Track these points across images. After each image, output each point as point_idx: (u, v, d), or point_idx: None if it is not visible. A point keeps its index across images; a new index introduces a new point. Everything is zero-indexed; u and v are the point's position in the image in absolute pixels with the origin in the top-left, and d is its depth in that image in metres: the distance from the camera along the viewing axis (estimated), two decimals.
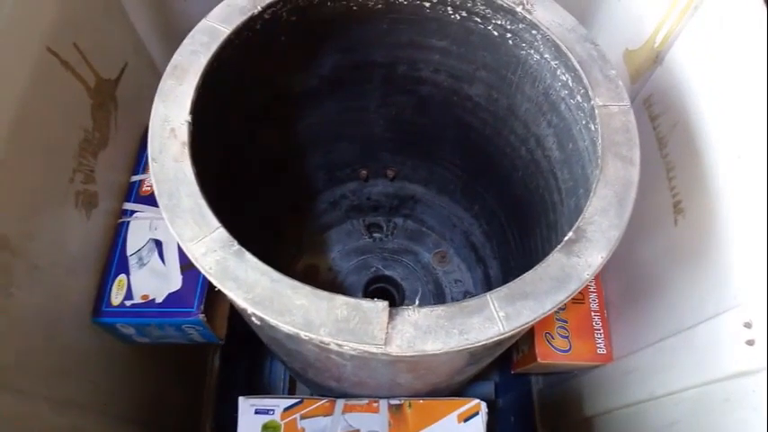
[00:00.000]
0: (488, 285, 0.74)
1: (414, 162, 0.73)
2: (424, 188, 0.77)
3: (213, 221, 0.33)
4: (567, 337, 0.57)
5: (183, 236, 0.32)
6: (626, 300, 0.56)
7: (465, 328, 0.31)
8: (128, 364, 0.54)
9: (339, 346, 0.30)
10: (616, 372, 0.55)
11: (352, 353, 0.31)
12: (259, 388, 0.79)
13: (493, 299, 0.32)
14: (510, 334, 0.31)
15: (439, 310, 0.31)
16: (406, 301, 0.75)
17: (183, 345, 0.53)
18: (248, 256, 0.32)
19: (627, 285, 0.55)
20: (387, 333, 0.30)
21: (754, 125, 0.37)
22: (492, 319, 0.31)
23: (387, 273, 0.78)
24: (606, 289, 0.59)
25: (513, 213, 0.63)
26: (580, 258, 0.33)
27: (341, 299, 0.31)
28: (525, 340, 0.61)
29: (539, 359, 0.56)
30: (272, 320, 0.30)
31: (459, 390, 0.68)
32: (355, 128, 0.65)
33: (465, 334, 0.31)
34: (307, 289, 0.31)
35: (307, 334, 0.30)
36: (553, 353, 0.56)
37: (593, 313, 0.58)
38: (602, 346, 0.56)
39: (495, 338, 0.31)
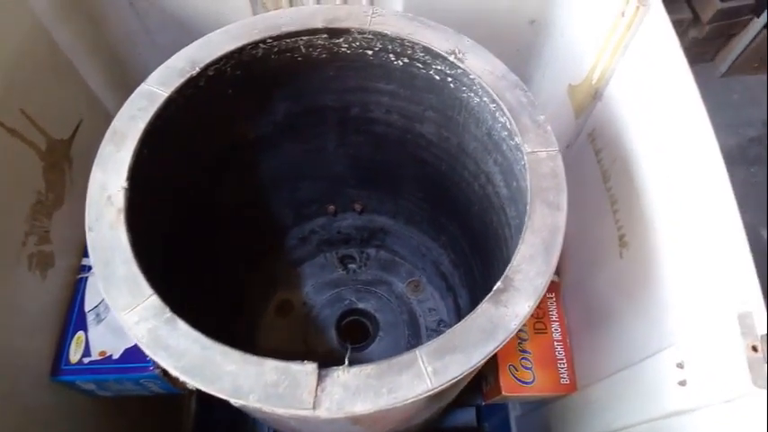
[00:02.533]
0: (459, 314, 0.74)
1: (379, 195, 0.74)
2: (392, 220, 0.78)
3: (146, 289, 0.34)
4: (530, 369, 0.57)
5: (116, 305, 0.33)
6: (586, 329, 0.56)
7: (394, 386, 0.31)
8: (93, 418, 0.54)
9: (270, 410, 0.31)
10: (580, 401, 0.55)
11: (287, 415, 0.32)
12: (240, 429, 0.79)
13: (422, 354, 0.32)
14: (439, 389, 0.32)
15: (368, 368, 0.32)
16: (380, 333, 0.76)
17: (149, 396, 0.53)
18: (180, 323, 0.33)
19: (585, 314, 0.56)
20: (315, 396, 0.31)
21: (681, 164, 0.38)
22: (420, 375, 0.32)
23: (360, 306, 0.79)
24: (568, 317, 0.60)
25: (474, 245, 0.64)
26: (507, 308, 0.33)
27: (270, 363, 0.31)
28: (491, 372, 0.61)
29: (503, 392, 0.56)
30: (203, 388, 0.31)
31: (433, 422, 0.68)
32: (317, 167, 0.66)
33: (394, 392, 0.31)
34: (236, 354, 0.31)
35: (236, 401, 0.30)
36: (517, 385, 0.56)
37: (555, 343, 0.58)
38: (565, 376, 0.56)
39: (424, 395, 0.31)
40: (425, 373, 0.32)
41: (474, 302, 0.69)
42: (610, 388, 0.48)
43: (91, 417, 0.54)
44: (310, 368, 0.31)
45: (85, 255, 0.52)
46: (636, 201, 0.44)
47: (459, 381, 0.33)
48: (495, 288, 0.34)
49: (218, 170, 0.55)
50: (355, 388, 0.31)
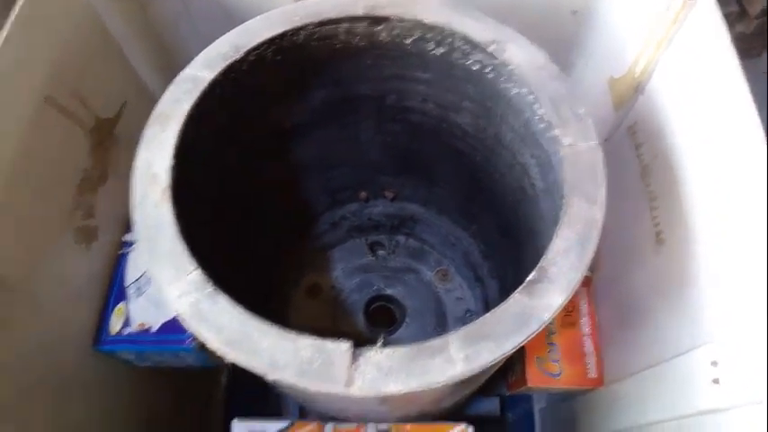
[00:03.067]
0: (487, 305, 0.74)
1: (412, 184, 0.74)
2: (423, 208, 0.78)
3: (189, 264, 0.35)
4: (557, 361, 0.57)
5: (160, 279, 0.34)
6: (616, 325, 0.56)
7: (426, 369, 0.32)
8: (132, 387, 0.56)
9: (304, 386, 0.32)
10: (607, 396, 0.55)
11: (320, 391, 0.33)
12: (268, 408, 0.81)
13: (453, 339, 0.33)
14: (470, 375, 0.32)
15: (402, 350, 0.32)
16: (407, 319, 0.77)
17: (185, 368, 0.55)
18: (220, 298, 0.34)
19: (617, 310, 0.55)
20: (349, 374, 0.32)
21: (727, 162, 0.37)
22: (451, 360, 0.32)
23: (388, 292, 0.80)
24: (599, 312, 0.59)
25: (506, 237, 0.64)
26: (541, 300, 0.34)
27: (306, 340, 0.32)
28: (518, 362, 0.61)
29: (529, 383, 0.56)
30: (240, 362, 0.32)
31: (457, 409, 0.68)
32: (352, 155, 0.67)
33: (425, 375, 0.32)
34: (273, 330, 0.33)
35: (273, 375, 0.32)
36: (544, 377, 0.57)
37: (584, 337, 0.58)
38: (592, 370, 0.56)
39: (454, 380, 0.32)
40: (456, 359, 0.32)
41: (503, 294, 0.69)
42: (638, 384, 0.47)
43: (128, 386, 0.56)
44: (345, 347, 0.32)
45: (127, 231, 0.54)
46: (676, 197, 0.43)
47: (487, 368, 0.34)
48: (528, 279, 0.34)
49: (256, 156, 0.57)
50: (388, 368, 0.32)
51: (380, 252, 0.84)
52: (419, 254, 0.83)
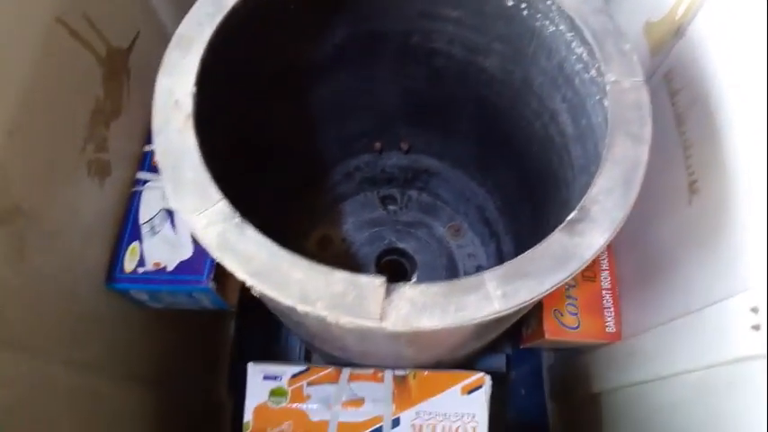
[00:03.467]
0: (501, 260, 0.73)
1: (428, 135, 0.72)
2: (438, 161, 0.77)
3: (215, 194, 0.33)
4: (576, 315, 0.56)
5: (184, 208, 0.33)
6: (638, 279, 0.55)
7: (461, 305, 0.31)
8: (143, 328, 0.56)
9: (335, 320, 0.31)
10: (624, 350, 0.54)
11: (350, 326, 0.32)
12: (274, 354, 0.81)
13: (490, 277, 0.32)
14: (506, 313, 0.31)
15: (436, 286, 0.31)
16: (417, 272, 0.76)
17: (197, 310, 0.55)
18: (249, 229, 0.32)
19: (639, 264, 0.54)
20: (382, 309, 0.30)
21: None
22: (488, 297, 0.31)
23: (400, 245, 0.78)
24: (619, 267, 0.58)
25: (526, 189, 0.62)
26: (582, 238, 0.32)
27: (338, 274, 0.31)
28: (534, 316, 0.60)
29: (546, 336, 0.56)
30: (270, 293, 0.31)
31: (468, 362, 0.68)
32: (369, 99, 0.64)
33: (460, 311, 0.31)
34: (304, 263, 0.31)
35: (303, 307, 0.30)
36: (561, 330, 0.56)
37: (603, 291, 0.57)
38: (611, 324, 0.56)
39: (492, 317, 0.31)
40: (494, 296, 0.31)
41: (519, 249, 0.68)
42: (662, 336, 0.47)
43: (139, 326, 0.56)
44: (378, 281, 0.31)
45: (140, 168, 0.52)
46: (715, 145, 0.42)
47: (522, 308, 0.33)
48: (569, 218, 0.33)
49: (273, 94, 0.54)
50: (422, 304, 0.31)
51: (391, 207, 0.82)
52: (431, 209, 0.82)
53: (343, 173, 0.78)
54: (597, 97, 0.41)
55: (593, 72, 0.41)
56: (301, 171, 0.72)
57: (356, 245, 0.79)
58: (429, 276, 0.76)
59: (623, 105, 0.36)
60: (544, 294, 0.31)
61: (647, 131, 0.35)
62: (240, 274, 0.31)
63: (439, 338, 0.39)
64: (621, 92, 0.36)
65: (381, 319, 0.30)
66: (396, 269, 0.78)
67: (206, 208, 0.33)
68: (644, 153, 0.34)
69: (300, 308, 0.30)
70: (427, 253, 0.79)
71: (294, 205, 0.76)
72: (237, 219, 0.33)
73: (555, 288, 0.31)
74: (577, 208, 0.33)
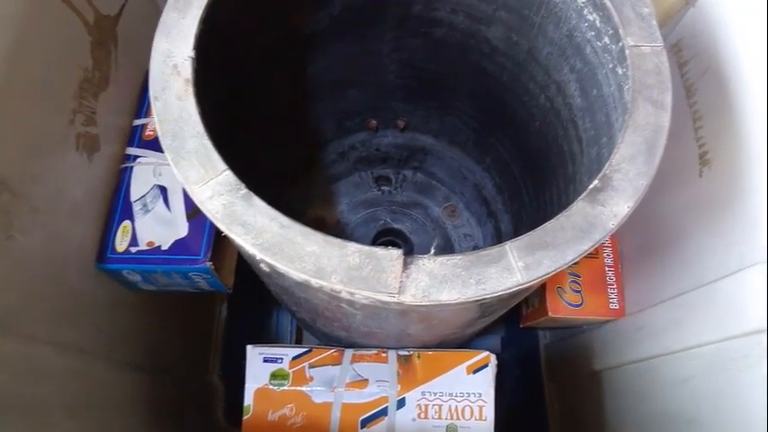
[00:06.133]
0: (499, 240, 0.72)
1: (425, 111, 0.70)
2: (434, 139, 0.75)
3: (220, 164, 0.31)
4: (579, 292, 0.56)
5: (188, 178, 0.31)
6: (642, 254, 0.54)
7: (482, 278, 0.30)
8: (134, 310, 0.54)
9: (351, 294, 0.29)
10: (629, 327, 0.54)
11: (364, 302, 0.30)
12: (266, 338, 0.79)
13: (512, 248, 0.30)
14: (529, 285, 0.30)
15: (456, 258, 0.30)
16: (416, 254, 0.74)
17: (189, 293, 0.52)
18: (257, 200, 0.30)
19: (644, 239, 0.54)
20: (401, 282, 0.29)
21: None
22: (510, 269, 0.30)
23: (395, 226, 0.77)
24: (621, 243, 0.58)
25: (527, 165, 0.61)
26: (605, 207, 0.31)
27: (353, 246, 0.29)
28: (536, 294, 0.60)
29: (550, 313, 0.55)
30: (282, 267, 0.29)
31: (466, 343, 0.67)
32: (366, 73, 0.62)
33: (482, 284, 0.29)
34: (318, 236, 0.30)
35: (318, 281, 0.29)
36: (565, 307, 0.55)
37: (606, 268, 0.57)
38: (614, 301, 0.55)
39: (514, 289, 0.29)
40: (516, 267, 0.30)
41: (518, 228, 0.68)
42: (670, 311, 0.46)
43: (130, 311, 0.53)
44: (395, 254, 0.29)
45: (130, 144, 0.50)
46: (727, 115, 0.41)
47: (540, 281, 0.31)
48: (591, 187, 0.32)
49: (270, 63, 0.52)
50: (442, 277, 0.29)
51: (385, 187, 0.81)
52: (426, 189, 0.81)
53: (338, 151, 0.76)
54: (610, 65, 0.40)
55: (605, 39, 0.40)
56: (295, 148, 0.70)
57: (351, 226, 0.78)
58: None
59: (643, 71, 0.35)
60: (567, 265, 0.30)
61: (668, 98, 0.34)
62: (250, 247, 0.29)
63: (453, 314, 0.38)
64: (641, 57, 0.35)
65: (400, 292, 0.29)
66: None
67: (210, 178, 0.31)
68: (666, 119, 0.33)
69: (315, 282, 0.29)
70: (423, 234, 0.77)
71: (287, 186, 0.74)
72: (244, 190, 0.31)
73: (578, 258, 0.30)
74: (599, 176, 0.32)
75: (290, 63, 0.54)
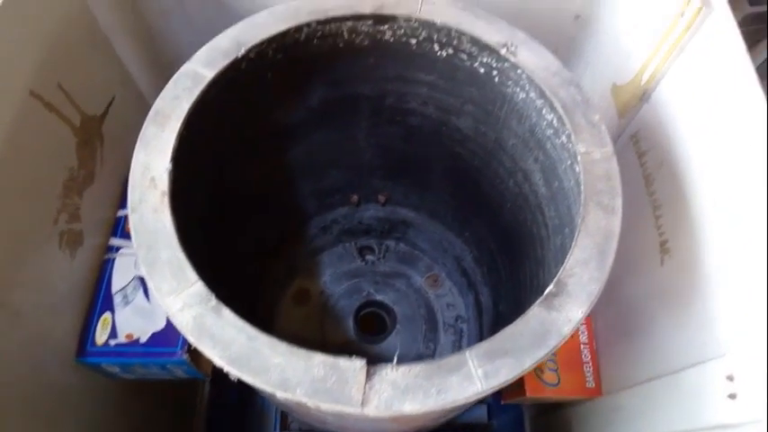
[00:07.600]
0: (479, 311, 0.73)
1: (404, 188, 0.73)
2: (415, 213, 0.77)
3: (191, 275, 0.33)
4: (555, 371, 0.56)
5: (160, 289, 0.32)
6: (615, 334, 0.55)
7: (443, 387, 0.30)
8: (113, 400, 0.54)
9: (316, 406, 0.30)
10: (605, 406, 0.54)
11: (331, 411, 0.31)
12: (250, 420, 0.78)
13: (472, 356, 0.31)
14: (489, 393, 0.31)
15: (417, 368, 0.31)
16: (398, 326, 0.75)
17: (170, 380, 0.53)
18: (226, 312, 0.32)
19: (616, 320, 0.55)
20: (364, 393, 0.30)
21: (738, 171, 0.37)
22: (470, 377, 0.31)
23: (378, 297, 0.78)
24: (596, 321, 0.59)
25: (502, 243, 0.63)
26: (560, 313, 0.33)
27: (318, 357, 0.31)
28: None
29: (528, 393, 0.56)
30: (249, 380, 0.30)
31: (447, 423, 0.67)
32: (345, 156, 0.65)
33: (443, 393, 0.30)
34: (284, 346, 0.31)
35: (283, 394, 0.30)
36: (542, 387, 0.56)
37: (582, 345, 0.58)
38: (590, 379, 0.56)
39: (474, 398, 0.30)
40: (475, 376, 0.31)
41: (497, 300, 0.69)
42: (643, 395, 0.47)
43: (110, 399, 0.53)
44: (359, 364, 0.31)
45: (113, 235, 0.51)
46: (683, 206, 0.43)
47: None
48: (546, 292, 0.33)
49: (250, 156, 0.54)
50: (404, 387, 0.30)
51: (369, 257, 0.82)
52: (409, 259, 0.82)
53: (321, 226, 0.78)
54: (568, 162, 0.42)
55: (563, 138, 0.42)
56: (278, 226, 0.72)
57: (335, 297, 0.79)
58: (409, 328, 0.76)
59: (594, 176, 0.37)
60: (525, 372, 0.31)
61: (618, 203, 0.36)
62: (218, 360, 0.30)
63: (421, 416, 0.39)
64: (592, 162, 0.37)
65: (363, 404, 0.30)
66: (375, 322, 0.77)
67: (182, 290, 0.32)
68: (616, 224, 0.35)
69: (280, 395, 0.30)
70: (406, 305, 0.78)
71: (272, 261, 0.75)
72: (214, 301, 0.32)
73: (535, 365, 0.31)
74: (554, 282, 0.33)
75: (268, 152, 0.57)
